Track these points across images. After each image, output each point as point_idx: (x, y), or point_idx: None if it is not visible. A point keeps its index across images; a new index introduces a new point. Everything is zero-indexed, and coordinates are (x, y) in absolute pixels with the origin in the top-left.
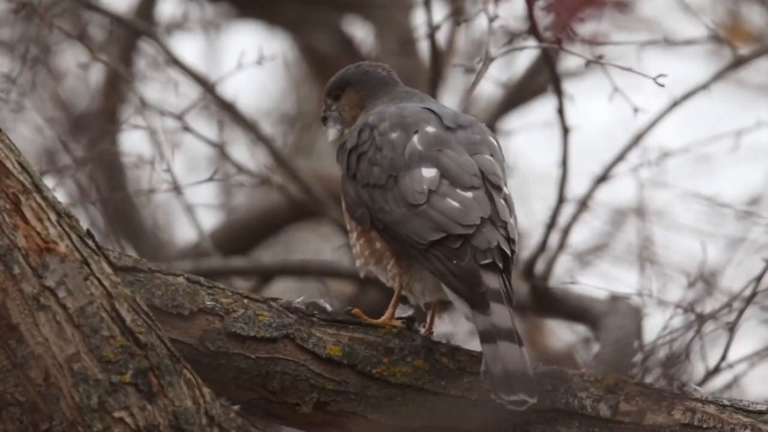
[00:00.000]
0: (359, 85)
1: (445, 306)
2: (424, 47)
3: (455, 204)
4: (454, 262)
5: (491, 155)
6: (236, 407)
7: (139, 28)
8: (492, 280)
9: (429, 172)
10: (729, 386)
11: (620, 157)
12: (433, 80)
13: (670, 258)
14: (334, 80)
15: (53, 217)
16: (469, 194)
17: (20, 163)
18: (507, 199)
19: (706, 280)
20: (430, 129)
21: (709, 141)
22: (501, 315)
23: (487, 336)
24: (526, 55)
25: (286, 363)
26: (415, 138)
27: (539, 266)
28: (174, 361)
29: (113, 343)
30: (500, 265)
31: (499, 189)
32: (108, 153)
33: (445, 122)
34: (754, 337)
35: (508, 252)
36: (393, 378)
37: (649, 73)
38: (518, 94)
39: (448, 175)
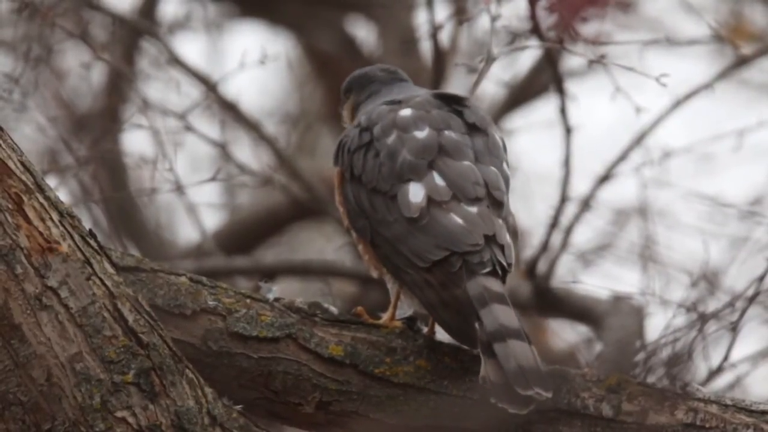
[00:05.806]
0: (358, 90)
1: None
2: (426, 47)
3: (459, 220)
4: (448, 291)
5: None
6: (238, 407)
7: (142, 27)
8: (494, 284)
9: (430, 183)
10: (732, 386)
11: (623, 157)
12: (436, 80)
13: (673, 257)
14: (344, 82)
15: (55, 216)
16: (474, 209)
17: (22, 163)
18: (506, 219)
19: (708, 279)
20: (446, 132)
21: (711, 141)
22: (506, 315)
23: (497, 336)
24: (529, 55)
25: (289, 363)
26: (423, 137)
27: (542, 266)
28: (176, 360)
29: (115, 343)
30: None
31: (500, 206)
32: (110, 153)
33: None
34: (756, 336)
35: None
36: (395, 378)
37: (651, 72)
38: (521, 94)
39: (452, 185)
